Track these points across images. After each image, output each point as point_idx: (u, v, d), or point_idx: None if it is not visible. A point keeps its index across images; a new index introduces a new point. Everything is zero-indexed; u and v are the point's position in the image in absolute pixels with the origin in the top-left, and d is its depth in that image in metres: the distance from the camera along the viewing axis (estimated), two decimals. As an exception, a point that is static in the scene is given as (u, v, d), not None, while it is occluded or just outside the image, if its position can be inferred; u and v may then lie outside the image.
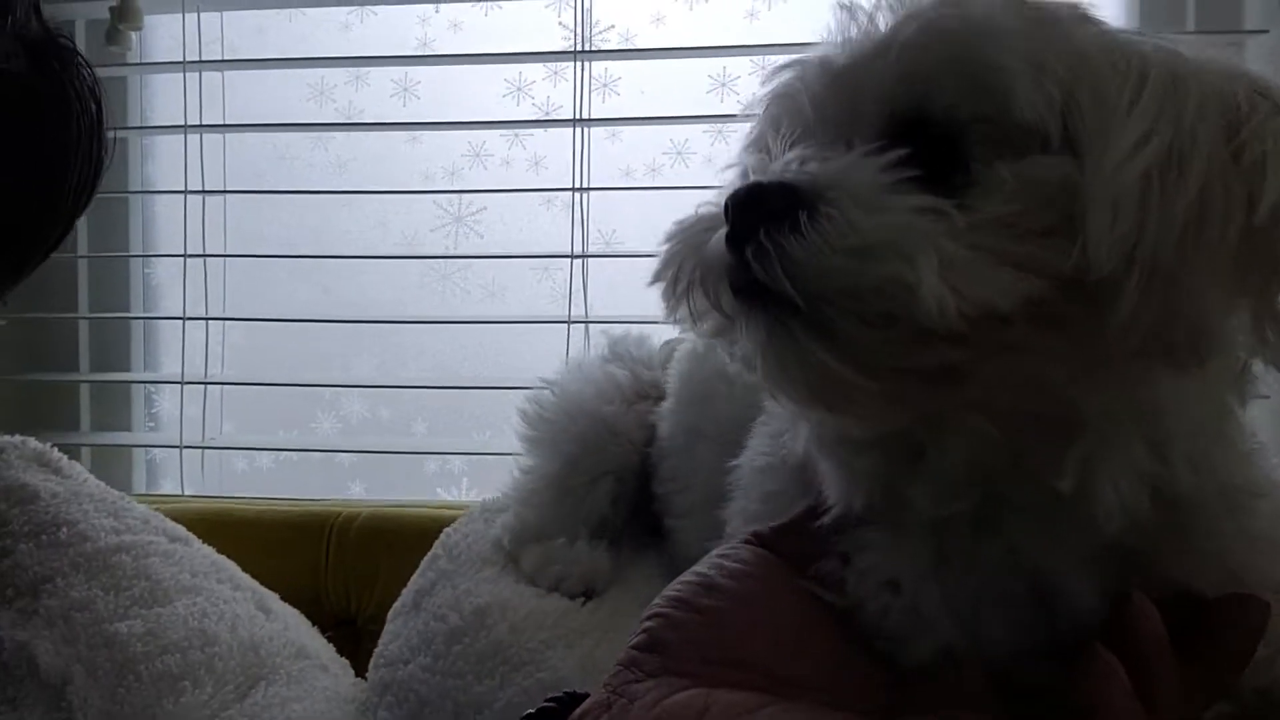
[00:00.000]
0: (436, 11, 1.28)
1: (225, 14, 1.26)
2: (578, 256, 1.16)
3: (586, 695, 0.44)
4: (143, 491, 1.28)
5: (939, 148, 0.39)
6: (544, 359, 1.27)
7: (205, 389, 1.22)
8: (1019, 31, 0.40)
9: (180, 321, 1.22)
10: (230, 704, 0.69)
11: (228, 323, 1.25)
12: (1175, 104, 0.37)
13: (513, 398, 1.24)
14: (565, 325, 1.16)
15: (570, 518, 0.71)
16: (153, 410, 1.32)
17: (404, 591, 0.75)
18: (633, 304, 1.25)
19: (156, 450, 1.31)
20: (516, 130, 1.26)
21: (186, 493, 1.21)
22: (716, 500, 0.59)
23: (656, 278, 0.45)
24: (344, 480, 1.29)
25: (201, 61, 1.22)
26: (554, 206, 1.27)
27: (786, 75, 0.46)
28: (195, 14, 1.22)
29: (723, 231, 0.40)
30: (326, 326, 1.27)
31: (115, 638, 0.71)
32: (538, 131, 1.26)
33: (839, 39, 0.44)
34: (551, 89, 1.27)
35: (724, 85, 1.25)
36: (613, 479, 0.72)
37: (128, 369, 1.28)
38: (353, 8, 1.27)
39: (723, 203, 0.40)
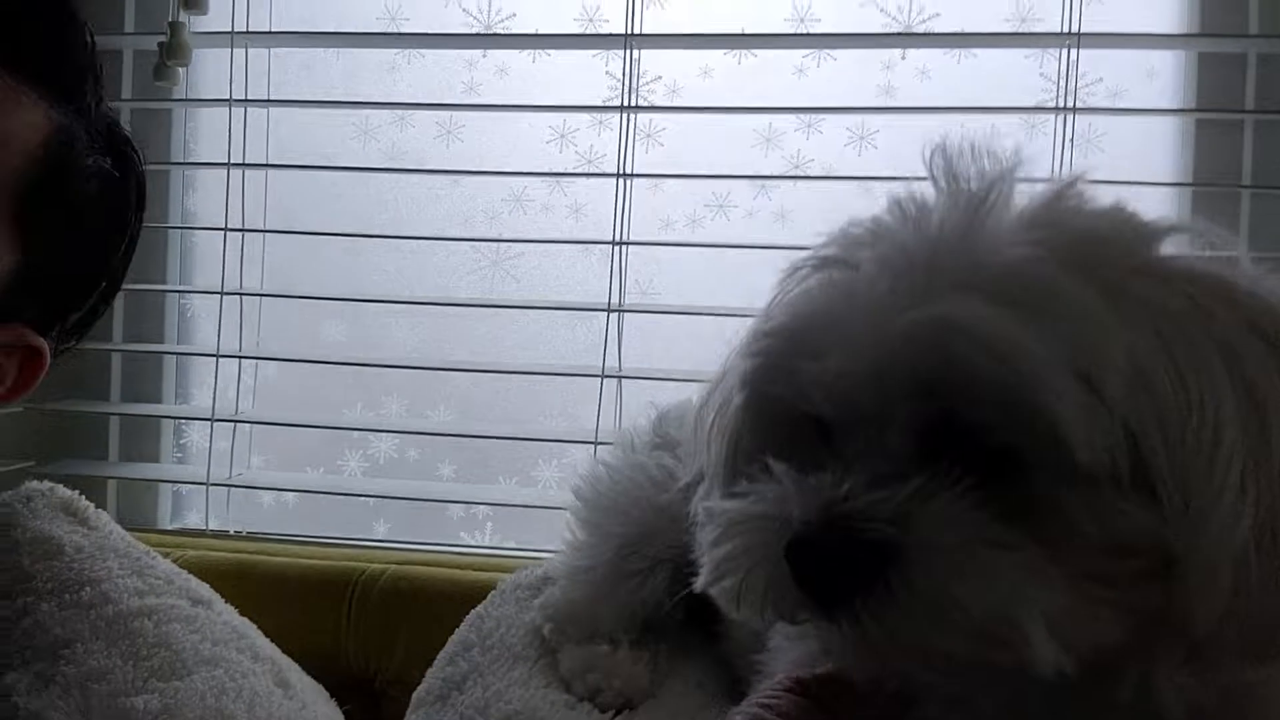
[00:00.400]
0: (484, 56, 1.27)
1: (272, 50, 1.26)
2: (614, 310, 1.14)
3: None
4: (167, 526, 1.28)
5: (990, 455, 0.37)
6: (573, 407, 1.27)
7: (232, 425, 1.22)
8: (1053, 336, 0.36)
9: (213, 357, 1.21)
10: None
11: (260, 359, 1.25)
12: (1257, 429, 0.35)
13: (539, 448, 1.25)
14: (599, 379, 1.14)
15: (624, 607, 0.70)
16: (181, 441, 1.32)
17: (430, 674, 0.73)
18: (666, 355, 1.24)
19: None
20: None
21: (211, 527, 1.21)
22: None
23: (714, 583, 0.42)
24: (369, 519, 1.28)
25: (247, 100, 1.22)
26: (592, 253, 1.26)
27: (773, 344, 0.44)
28: (244, 50, 1.22)
29: (785, 568, 0.38)
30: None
31: (130, 713, 0.70)
32: (579, 178, 1.25)
33: (836, 310, 0.42)
34: (595, 137, 1.25)
35: (769, 140, 1.23)
36: (670, 567, 0.69)
37: (159, 400, 1.28)
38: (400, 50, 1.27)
39: (782, 546, 0.38)
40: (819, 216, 1.22)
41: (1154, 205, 1.15)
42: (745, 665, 0.63)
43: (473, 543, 1.25)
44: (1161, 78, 1.17)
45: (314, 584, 0.95)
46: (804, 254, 0.48)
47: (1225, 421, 0.35)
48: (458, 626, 0.81)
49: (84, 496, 0.89)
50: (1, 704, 0.72)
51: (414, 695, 0.73)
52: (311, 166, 1.24)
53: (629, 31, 1.16)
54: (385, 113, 1.28)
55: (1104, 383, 0.35)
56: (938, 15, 1.20)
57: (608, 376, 1.14)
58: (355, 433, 1.28)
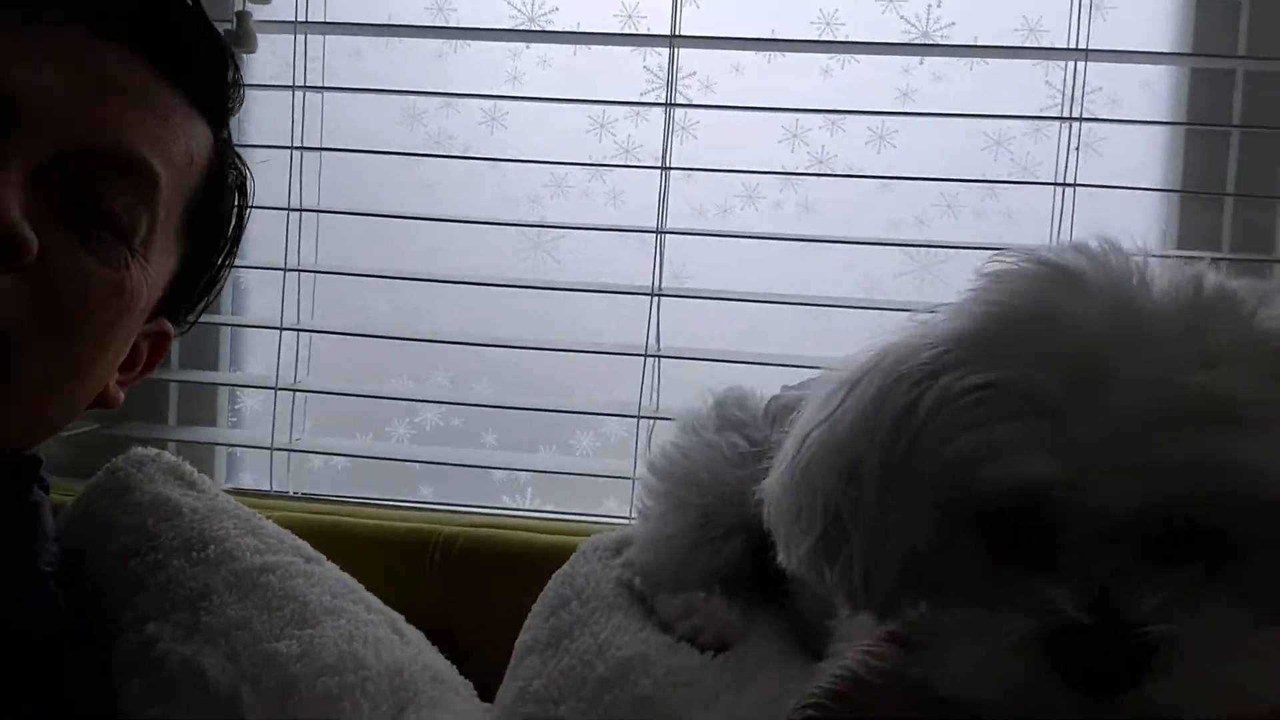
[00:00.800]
0: (527, 48, 1.35)
1: (327, 38, 1.32)
2: (657, 294, 1.24)
3: None
4: (224, 487, 1.36)
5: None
6: (606, 382, 1.36)
7: (291, 393, 1.30)
8: None
9: (272, 330, 1.29)
10: None
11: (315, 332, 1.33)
12: None
13: (578, 419, 1.35)
14: (641, 358, 1.24)
15: (706, 569, 0.79)
16: (236, 407, 1.40)
17: (533, 626, 0.82)
18: (698, 336, 1.34)
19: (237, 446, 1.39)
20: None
21: (275, 489, 1.29)
22: None
23: (963, 686, 0.45)
24: (415, 483, 1.38)
25: (306, 86, 1.28)
26: (630, 238, 1.34)
27: (1002, 474, 0.43)
28: (303, 37, 1.28)
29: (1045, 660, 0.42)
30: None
31: (275, 657, 0.75)
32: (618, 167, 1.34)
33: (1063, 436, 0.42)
34: (633, 128, 1.34)
35: (795, 136, 1.32)
36: (742, 535, 0.79)
37: (215, 368, 1.36)
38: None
39: (1042, 641, 0.42)
40: (841, 210, 1.32)
41: (1145, 209, 1.28)
42: (809, 627, 0.74)
43: (514, 505, 1.35)
44: (1154, 88, 1.28)
45: (396, 544, 1.04)
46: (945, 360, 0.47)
47: None
48: (529, 584, 0.92)
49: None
50: (149, 651, 0.77)
51: (519, 644, 0.82)
52: (367, 150, 1.31)
53: (673, 33, 1.24)
54: (433, 99, 1.35)
55: None
56: (953, 24, 1.30)
57: (649, 356, 1.24)
58: (402, 402, 1.37)
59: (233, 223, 0.82)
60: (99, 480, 0.91)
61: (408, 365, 1.39)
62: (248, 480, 1.38)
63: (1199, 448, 0.41)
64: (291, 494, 1.30)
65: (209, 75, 0.73)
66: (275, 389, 1.28)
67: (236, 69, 0.76)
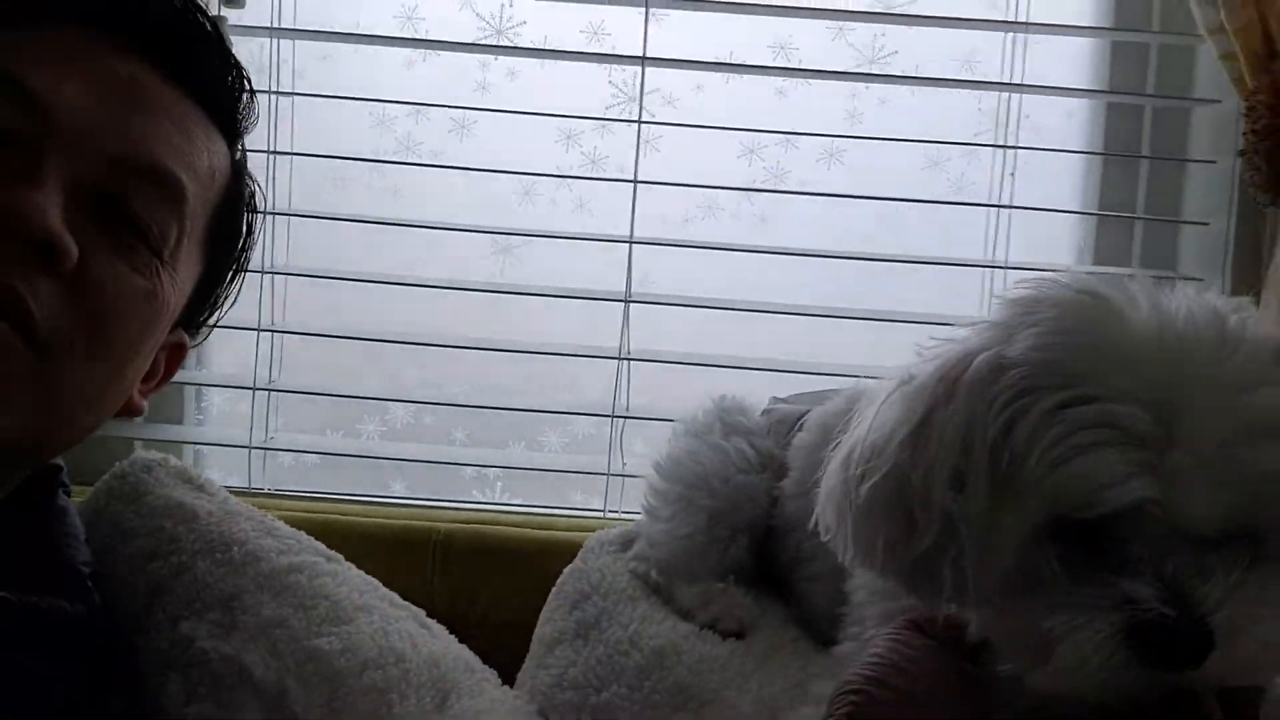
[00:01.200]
0: (496, 59, 1.39)
1: (297, 42, 1.34)
2: (628, 301, 1.31)
3: None
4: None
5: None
6: (574, 379, 1.43)
7: (264, 392, 1.33)
8: None
9: (243, 330, 1.31)
10: (432, 715, 0.78)
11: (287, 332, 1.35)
12: None
13: (545, 419, 1.41)
14: (615, 361, 1.31)
15: (718, 564, 0.87)
16: (202, 404, 1.41)
17: (554, 620, 0.89)
18: (657, 337, 1.41)
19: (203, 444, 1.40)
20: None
21: (253, 486, 1.32)
22: (840, 574, 0.75)
23: (1071, 666, 0.51)
24: (385, 479, 1.42)
25: (279, 91, 1.30)
26: (594, 245, 1.40)
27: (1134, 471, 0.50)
28: (276, 42, 1.30)
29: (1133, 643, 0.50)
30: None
31: (317, 653, 0.77)
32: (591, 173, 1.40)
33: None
34: (599, 140, 1.40)
35: (753, 152, 1.41)
36: (749, 535, 0.88)
37: (183, 366, 1.36)
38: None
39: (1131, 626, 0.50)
40: (795, 222, 1.42)
41: (1066, 228, 1.41)
42: (819, 617, 0.82)
43: (484, 500, 1.41)
44: (1077, 117, 1.42)
45: (394, 541, 1.08)
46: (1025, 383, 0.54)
47: None
48: (528, 577, 0.99)
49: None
50: (186, 649, 0.78)
51: (541, 635, 0.88)
52: (341, 156, 1.34)
53: (643, 54, 1.31)
54: (403, 106, 1.38)
55: None
56: (896, 52, 1.40)
57: (622, 359, 1.31)
58: (372, 401, 1.40)
59: (245, 235, 0.85)
60: (107, 485, 0.92)
61: (377, 366, 1.43)
62: (215, 478, 1.38)
63: (1266, 461, 0.50)
64: (267, 490, 1.33)
65: (228, 94, 0.77)
66: (254, 389, 1.30)
67: (251, 89, 0.80)
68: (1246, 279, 1.21)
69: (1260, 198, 1.13)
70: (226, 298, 0.88)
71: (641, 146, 1.37)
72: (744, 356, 1.37)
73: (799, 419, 0.92)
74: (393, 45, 1.36)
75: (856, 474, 0.59)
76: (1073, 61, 1.40)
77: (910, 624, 0.62)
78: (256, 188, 0.86)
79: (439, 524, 1.11)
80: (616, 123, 1.37)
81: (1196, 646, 0.49)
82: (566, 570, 0.95)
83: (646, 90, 1.37)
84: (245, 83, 0.79)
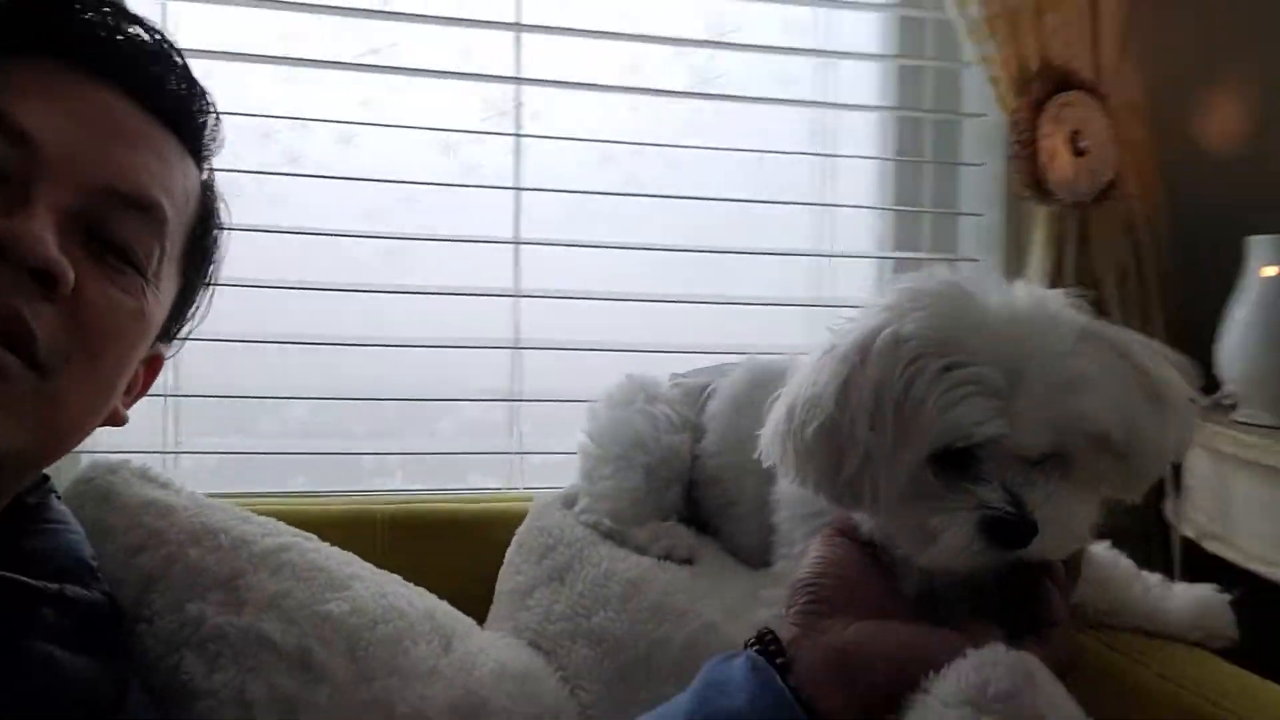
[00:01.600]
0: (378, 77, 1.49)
1: (182, 59, 1.38)
2: (518, 295, 1.46)
3: (774, 634, 0.69)
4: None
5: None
6: (463, 370, 1.55)
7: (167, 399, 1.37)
8: (1114, 401, 0.69)
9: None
10: (442, 656, 0.88)
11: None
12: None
13: (439, 407, 1.53)
14: (509, 351, 1.46)
15: (659, 508, 1.03)
16: (94, 416, 1.42)
17: (524, 571, 1.01)
18: (548, 327, 1.54)
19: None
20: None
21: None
22: (762, 512, 0.92)
23: (943, 550, 0.69)
24: (286, 475, 1.48)
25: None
26: (479, 247, 1.52)
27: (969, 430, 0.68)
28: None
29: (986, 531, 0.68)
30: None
31: (330, 616, 0.85)
32: (468, 179, 1.53)
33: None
34: (476, 149, 1.54)
35: (609, 159, 1.60)
36: (680, 485, 1.05)
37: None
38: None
39: (984, 519, 0.68)
40: (646, 221, 1.60)
41: (868, 224, 1.69)
42: (749, 546, 0.98)
43: (384, 487, 1.51)
44: (874, 129, 1.70)
45: (343, 524, 1.17)
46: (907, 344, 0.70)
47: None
48: (467, 549, 1.12)
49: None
50: (198, 628, 0.84)
51: (511, 588, 1.01)
52: (229, 169, 1.39)
53: (517, 73, 1.46)
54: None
55: (1121, 404, 0.70)
56: (725, 74, 1.63)
57: (515, 348, 1.46)
58: (268, 401, 1.47)
59: (220, 252, 0.90)
60: (76, 489, 0.95)
61: (265, 368, 1.49)
62: (112, 486, 1.41)
63: (1074, 406, 0.68)
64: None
65: (195, 118, 0.82)
66: (166, 395, 1.34)
67: (217, 115, 0.85)
68: (1013, 260, 1.53)
69: (1023, 194, 1.45)
70: (199, 310, 0.94)
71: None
72: (617, 341, 1.54)
73: (704, 390, 1.10)
74: (275, 64, 1.43)
75: (799, 422, 0.73)
76: (869, 83, 1.68)
77: (837, 530, 0.77)
78: (223, 205, 0.92)
79: (377, 506, 1.21)
80: (490, 134, 1.50)
81: (1027, 533, 0.68)
82: (520, 530, 1.09)
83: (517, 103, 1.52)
84: (211, 106, 0.84)
